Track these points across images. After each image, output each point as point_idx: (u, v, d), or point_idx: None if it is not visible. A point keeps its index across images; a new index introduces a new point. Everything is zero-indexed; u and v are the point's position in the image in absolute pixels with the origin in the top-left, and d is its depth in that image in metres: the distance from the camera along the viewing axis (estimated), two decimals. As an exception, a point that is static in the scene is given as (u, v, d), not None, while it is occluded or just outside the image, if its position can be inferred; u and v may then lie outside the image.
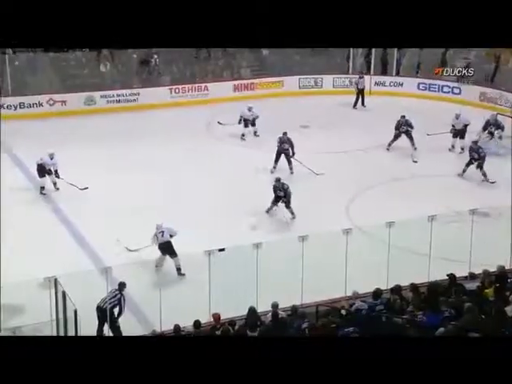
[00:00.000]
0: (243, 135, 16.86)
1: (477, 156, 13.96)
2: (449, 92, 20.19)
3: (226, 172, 14.56)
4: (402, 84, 21.04)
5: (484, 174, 13.85)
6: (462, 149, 15.53)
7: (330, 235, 11.21)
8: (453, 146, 15.93)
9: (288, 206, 12.22)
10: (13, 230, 10.70)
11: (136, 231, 11.25)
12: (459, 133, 15.74)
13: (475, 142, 14.39)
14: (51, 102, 18.88)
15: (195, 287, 9.53)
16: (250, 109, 16.89)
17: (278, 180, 12.47)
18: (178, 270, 10.30)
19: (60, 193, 13.32)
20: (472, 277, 8.81)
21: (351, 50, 21.87)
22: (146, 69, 20.75)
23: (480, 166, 13.86)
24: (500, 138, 15.67)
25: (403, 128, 15.57)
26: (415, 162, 15.08)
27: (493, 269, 8.75)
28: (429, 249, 9.75)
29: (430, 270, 9.51)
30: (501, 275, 8.55)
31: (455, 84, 20.21)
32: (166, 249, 10.41)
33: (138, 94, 19.95)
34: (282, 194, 12.25)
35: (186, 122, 18.11)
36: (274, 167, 14.49)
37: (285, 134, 14.60)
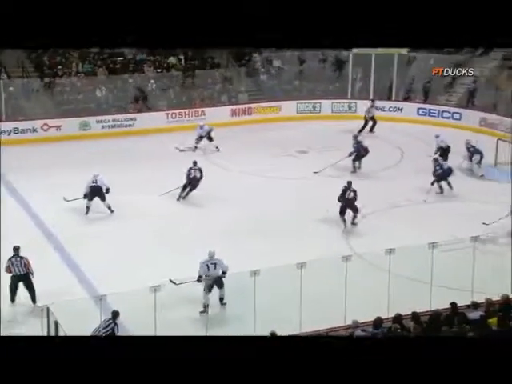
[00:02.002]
0: (196, 147, 17.84)
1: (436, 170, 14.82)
2: (449, 117, 20.38)
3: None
4: (401, 109, 21.25)
5: (440, 187, 14.77)
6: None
7: (329, 262, 11.25)
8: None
9: None
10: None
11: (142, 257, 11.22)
12: (443, 154, 16.24)
13: (436, 159, 15.21)
14: (45, 128, 19.01)
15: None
16: (201, 127, 18.07)
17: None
18: (221, 299, 10.20)
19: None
20: (475, 306, 8.78)
21: (350, 74, 22.13)
22: (141, 95, 20.95)
23: (434, 181, 14.71)
24: (478, 163, 15.94)
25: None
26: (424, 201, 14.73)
27: (496, 297, 8.74)
28: (430, 276, 9.74)
29: (431, 298, 9.49)
30: (505, 304, 8.53)
31: (456, 109, 20.43)
32: (216, 282, 10.16)
33: (135, 118, 20.11)
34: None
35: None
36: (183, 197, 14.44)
37: (195, 163, 14.65)
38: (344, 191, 13.24)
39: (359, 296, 9.69)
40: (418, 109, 20.74)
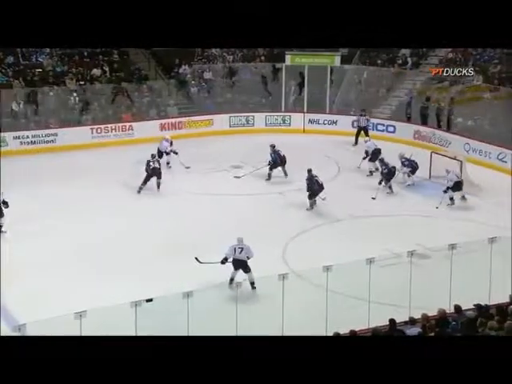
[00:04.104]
0: (168, 163, 17.68)
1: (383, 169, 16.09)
2: (383, 130, 20.96)
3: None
4: (336, 122, 21.70)
5: (390, 187, 15.99)
6: (377, 169, 16.83)
7: (265, 281, 11.29)
8: (370, 172, 17.19)
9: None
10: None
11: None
12: (372, 156, 17.17)
13: (381, 160, 16.29)
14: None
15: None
16: (167, 140, 18.01)
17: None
18: (252, 283, 11.11)
19: None
20: (412, 322, 8.98)
21: (283, 87, 22.45)
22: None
23: (381, 180, 15.94)
24: (408, 175, 16.60)
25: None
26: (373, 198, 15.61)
27: (433, 312, 8.97)
28: (368, 293, 9.92)
29: (369, 315, 9.65)
30: (441, 319, 8.77)
31: (390, 122, 21.05)
32: (240, 265, 11.22)
33: (56, 134, 19.64)
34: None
35: (108, 164, 17.93)
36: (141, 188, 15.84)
37: (153, 156, 16.23)
38: (311, 179, 14.74)
39: (296, 314, 9.74)
40: (353, 121, 21.21)
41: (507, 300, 9.02)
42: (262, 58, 23.80)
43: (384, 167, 16.17)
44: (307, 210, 14.93)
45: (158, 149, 17.51)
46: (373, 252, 10.51)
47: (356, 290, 10.34)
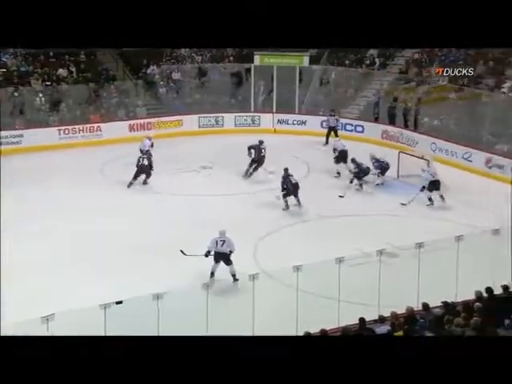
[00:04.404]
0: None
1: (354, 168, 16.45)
2: (352, 130, 21.20)
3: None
4: (305, 122, 21.87)
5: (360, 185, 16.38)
6: (350, 171, 16.93)
7: (236, 281, 11.37)
8: (338, 173, 17.34)
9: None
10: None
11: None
12: (338, 157, 17.34)
13: (353, 160, 16.57)
14: None
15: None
16: (149, 139, 17.90)
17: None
18: (234, 276, 11.39)
19: None
20: (381, 320, 9.14)
21: (252, 87, 22.54)
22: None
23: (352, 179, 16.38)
24: (378, 175, 16.83)
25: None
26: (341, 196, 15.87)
27: (401, 310, 9.14)
28: (338, 292, 10.05)
29: (339, 314, 9.79)
30: (409, 317, 8.95)
31: (358, 122, 21.30)
32: (222, 258, 11.45)
33: (21, 135, 19.41)
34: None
35: (76, 165, 17.81)
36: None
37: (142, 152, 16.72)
38: (285, 178, 14.90)
39: (267, 315, 9.83)
40: (322, 122, 21.40)
41: (473, 297, 9.22)
42: (231, 58, 23.87)
43: (356, 167, 16.37)
44: (283, 210, 15.00)
45: (140, 148, 17.46)
46: (343, 251, 10.64)
47: (326, 290, 10.46)
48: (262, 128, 21.78)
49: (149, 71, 22.77)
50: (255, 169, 17.09)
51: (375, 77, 22.78)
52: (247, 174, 17.11)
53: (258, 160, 17.06)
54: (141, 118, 21.42)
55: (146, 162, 16.30)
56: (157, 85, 22.73)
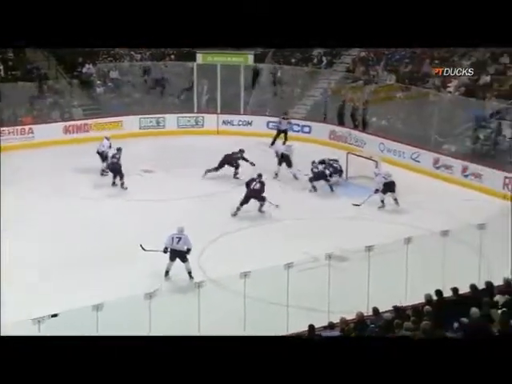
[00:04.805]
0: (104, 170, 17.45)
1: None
2: (299, 131, 21.38)
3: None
4: (251, 123, 21.96)
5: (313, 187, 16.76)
6: (295, 176, 17.37)
7: (181, 289, 11.34)
8: (276, 174, 17.59)
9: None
10: None
11: None
12: (284, 160, 17.58)
13: (313, 162, 16.83)
14: None
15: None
16: (108, 138, 17.88)
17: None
18: (189, 273, 11.79)
19: None
20: (331, 326, 9.28)
21: (195, 87, 22.49)
22: None
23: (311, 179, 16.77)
24: (327, 179, 17.04)
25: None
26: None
27: (351, 316, 9.31)
28: (286, 298, 10.16)
29: (288, 320, 9.90)
30: (359, 322, 9.12)
31: (305, 122, 21.50)
32: (178, 255, 11.83)
33: None
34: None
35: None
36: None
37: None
38: (250, 181, 15.00)
39: (214, 323, 9.85)
40: (268, 122, 21.54)
41: (423, 300, 9.47)
42: (172, 56, 23.74)
43: (314, 168, 16.62)
44: (232, 215, 14.95)
45: (98, 150, 17.41)
46: (292, 256, 10.78)
47: (275, 296, 10.56)
48: (206, 129, 21.77)
49: (84, 70, 22.43)
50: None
51: (322, 76, 23.08)
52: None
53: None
54: (77, 120, 21.07)
55: (114, 160, 16.49)
56: (93, 84, 22.40)
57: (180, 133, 21.47)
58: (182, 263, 11.93)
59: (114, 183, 16.62)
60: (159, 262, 12.12)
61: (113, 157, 16.71)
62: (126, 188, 16.44)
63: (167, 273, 11.98)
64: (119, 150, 16.78)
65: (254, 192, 14.94)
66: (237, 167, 17.25)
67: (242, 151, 17.47)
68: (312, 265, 11.40)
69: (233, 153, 17.43)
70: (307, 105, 22.62)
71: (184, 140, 20.45)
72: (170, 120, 21.87)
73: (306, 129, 21.42)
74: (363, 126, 20.74)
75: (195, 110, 22.43)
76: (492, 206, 15.61)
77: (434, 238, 11.41)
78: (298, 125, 21.47)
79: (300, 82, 23.04)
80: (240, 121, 22.05)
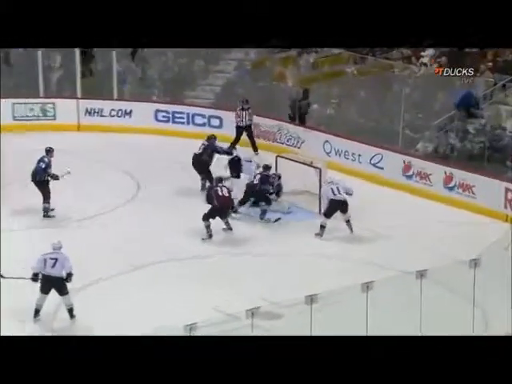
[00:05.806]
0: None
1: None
2: (204, 124, 21.45)
3: None
4: (130, 113, 22.01)
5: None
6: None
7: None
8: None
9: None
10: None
11: None
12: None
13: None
14: None
15: None
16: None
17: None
18: (70, 311, 12.16)
19: None
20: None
21: (40, 63, 22.26)
22: None
23: None
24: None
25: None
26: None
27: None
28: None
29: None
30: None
31: (213, 112, 21.60)
32: (53, 285, 11.97)
33: None
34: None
35: None
36: None
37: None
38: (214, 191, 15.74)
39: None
40: (157, 111, 21.76)
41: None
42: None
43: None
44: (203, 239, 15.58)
45: None
46: (199, 314, 10.85)
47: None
48: (60, 123, 21.71)
49: None
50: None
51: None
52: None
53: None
54: None
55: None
56: None
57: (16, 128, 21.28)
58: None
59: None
60: None
61: None
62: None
63: (37, 312, 12.04)
64: None
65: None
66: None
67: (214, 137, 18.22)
68: (227, 326, 11.38)
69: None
70: (214, 85, 22.76)
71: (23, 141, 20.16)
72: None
73: (215, 121, 21.58)
74: (300, 117, 20.95)
75: (41, 95, 22.35)
76: (488, 232, 15.70)
77: (407, 281, 11.64)
78: (203, 115, 21.66)
79: (202, 52, 23.09)
80: (112, 110, 22.11)
